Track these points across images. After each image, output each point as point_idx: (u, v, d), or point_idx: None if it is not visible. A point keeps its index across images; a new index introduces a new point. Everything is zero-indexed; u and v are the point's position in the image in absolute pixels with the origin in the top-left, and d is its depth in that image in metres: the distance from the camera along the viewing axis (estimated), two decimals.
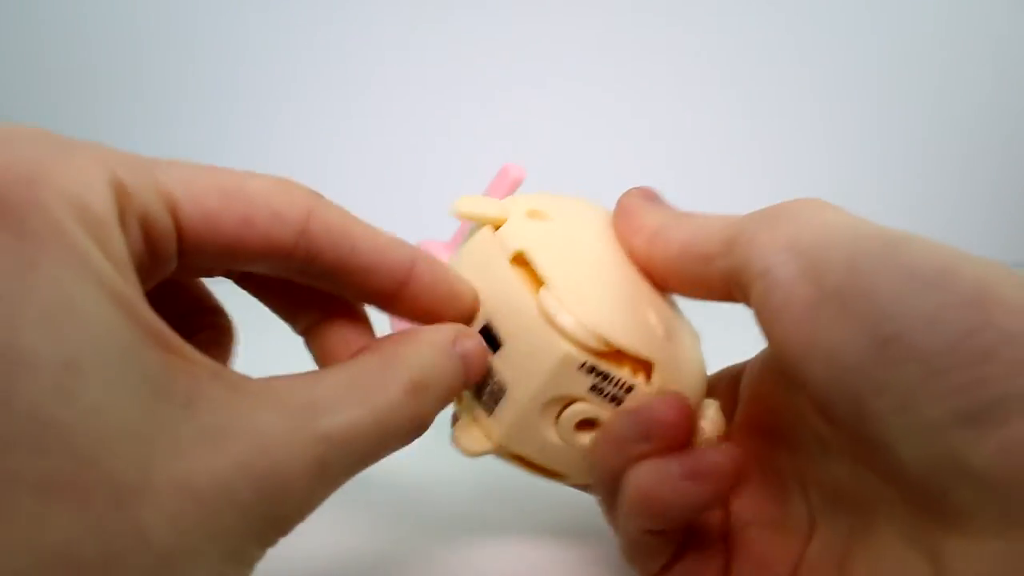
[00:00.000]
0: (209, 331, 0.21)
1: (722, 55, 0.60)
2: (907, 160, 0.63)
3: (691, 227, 0.20)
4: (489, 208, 0.21)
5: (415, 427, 0.17)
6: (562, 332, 0.19)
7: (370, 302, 0.20)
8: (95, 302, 0.13)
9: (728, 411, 0.22)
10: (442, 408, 0.18)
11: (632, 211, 0.22)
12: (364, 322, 0.21)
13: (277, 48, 0.59)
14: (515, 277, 0.20)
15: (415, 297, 0.19)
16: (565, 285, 0.19)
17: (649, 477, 0.19)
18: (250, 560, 0.15)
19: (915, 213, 0.62)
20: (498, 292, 0.20)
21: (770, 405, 0.22)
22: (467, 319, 0.20)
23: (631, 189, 0.23)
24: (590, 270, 0.20)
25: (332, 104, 0.61)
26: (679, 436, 0.19)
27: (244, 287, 0.20)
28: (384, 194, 0.60)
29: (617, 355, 0.19)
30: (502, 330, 0.20)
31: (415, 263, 0.19)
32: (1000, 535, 0.15)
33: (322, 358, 0.20)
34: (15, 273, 0.13)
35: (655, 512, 0.19)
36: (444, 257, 0.28)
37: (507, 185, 0.30)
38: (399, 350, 0.18)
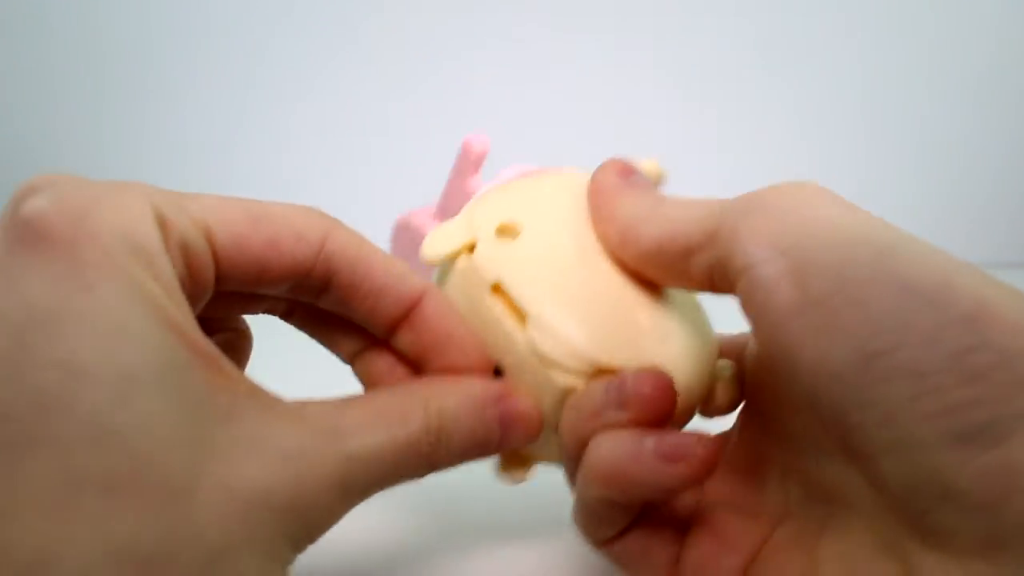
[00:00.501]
0: (228, 333, 0.22)
1: (721, 54, 0.61)
2: (907, 160, 0.63)
3: (666, 221, 0.19)
4: (456, 239, 0.21)
5: (428, 464, 0.18)
6: (555, 366, 0.19)
7: (378, 327, 0.20)
8: (145, 321, 0.15)
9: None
10: (465, 458, 0.19)
11: (605, 196, 0.21)
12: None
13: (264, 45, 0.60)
14: (500, 311, 0.20)
15: (421, 327, 0.20)
16: (549, 314, 0.19)
17: (622, 449, 0.18)
18: (284, 561, 0.16)
19: (915, 213, 0.62)
20: (488, 328, 0.20)
21: (764, 390, 0.21)
22: (475, 364, 0.20)
23: (606, 163, 0.21)
24: (571, 286, 0.20)
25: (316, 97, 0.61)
26: (656, 410, 0.18)
27: (290, 322, 0.21)
28: (363, 183, 0.60)
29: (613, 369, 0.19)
30: (501, 363, 0.20)
31: (426, 293, 0.20)
32: (984, 557, 0.14)
33: (367, 383, 0.21)
34: (73, 296, 0.14)
35: (620, 485, 0.18)
36: (432, 223, 0.28)
37: (472, 162, 0.29)
38: (429, 389, 0.19)
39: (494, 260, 0.20)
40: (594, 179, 0.21)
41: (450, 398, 0.19)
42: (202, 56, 0.60)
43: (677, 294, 0.21)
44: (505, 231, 0.21)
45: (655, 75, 0.61)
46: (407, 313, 0.20)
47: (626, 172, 0.21)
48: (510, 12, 0.59)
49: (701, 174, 0.63)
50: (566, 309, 0.19)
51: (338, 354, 0.22)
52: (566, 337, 0.19)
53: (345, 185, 0.59)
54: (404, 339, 0.20)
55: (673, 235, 0.19)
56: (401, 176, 0.62)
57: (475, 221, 0.21)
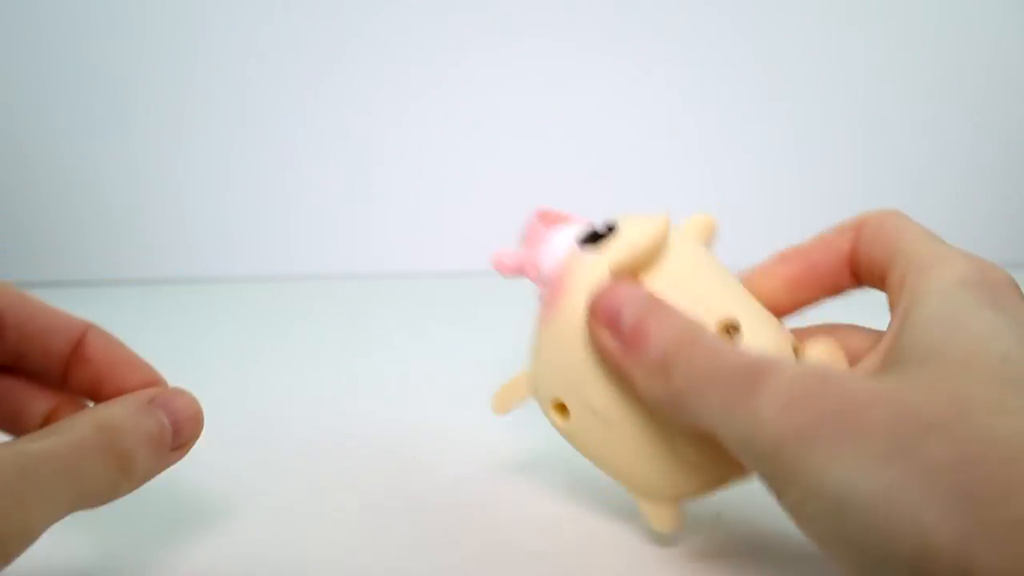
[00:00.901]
0: None
1: (727, 60, 0.60)
2: (907, 159, 0.63)
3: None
4: (517, 394, 0.24)
5: (117, 459, 0.19)
6: None
7: (52, 369, 0.22)
8: None
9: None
10: (153, 450, 0.20)
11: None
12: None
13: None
14: None
15: (90, 358, 0.22)
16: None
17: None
18: None
19: (915, 212, 0.62)
20: None
21: None
22: (146, 381, 0.22)
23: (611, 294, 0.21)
24: None
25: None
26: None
27: None
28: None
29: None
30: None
31: (88, 328, 0.22)
32: None
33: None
34: None
35: None
36: (518, 259, 0.25)
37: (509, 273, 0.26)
38: (96, 408, 0.21)
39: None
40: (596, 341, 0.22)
41: (115, 407, 0.20)
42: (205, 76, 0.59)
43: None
44: (559, 409, 0.23)
45: (665, 88, 0.60)
46: (76, 348, 0.22)
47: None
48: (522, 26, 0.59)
49: (702, 175, 0.63)
50: None
51: (24, 424, 0.23)
52: None
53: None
54: (78, 376, 0.22)
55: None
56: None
57: (530, 385, 0.24)
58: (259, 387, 0.39)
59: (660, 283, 0.22)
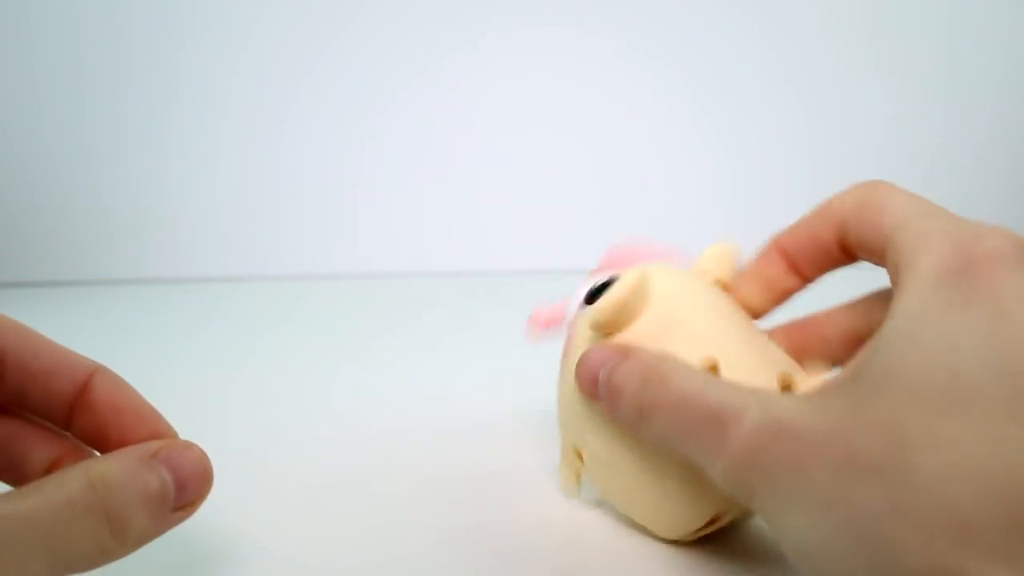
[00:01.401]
0: None
1: (729, 57, 0.60)
2: (907, 158, 0.63)
3: None
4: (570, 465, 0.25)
5: (109, 522, 0.17)
6: None
7: (55, 412, 0.20)
8: None
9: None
10: (153, 511, 0.18)
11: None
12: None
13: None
14: None
15: (95, 404, 0.20)
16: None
17: None
18: None
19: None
20: None
21: None
22: (153, 433, 0.20)
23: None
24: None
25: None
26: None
27: None
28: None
29: None
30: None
31: (96, 371, 0.21)
32: None
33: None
34: None
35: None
36: (550, 314, 0.27)
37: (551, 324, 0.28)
38: (92, 461, 0.18)
39: None
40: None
41: (112, 460, 0.18)
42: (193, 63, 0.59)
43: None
44: (579, 456, 0.25)
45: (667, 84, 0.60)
46: (80, 392, 0.20)
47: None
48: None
49: (703, 178, 0.63)
50: None
51: (25, 473, 0.21)
52: None
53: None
54: (81, 421, 0.20)
55: None
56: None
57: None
58: (252, 386, 0.39)
59: (641, 332, 0.23)
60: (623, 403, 0.21)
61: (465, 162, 0.62)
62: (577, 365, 0.23)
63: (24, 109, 0.60)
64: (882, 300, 0.23)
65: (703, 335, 0.22)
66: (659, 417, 0.20)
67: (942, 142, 0.63)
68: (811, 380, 0.22)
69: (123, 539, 0.17)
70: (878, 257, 0.21)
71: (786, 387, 0.22)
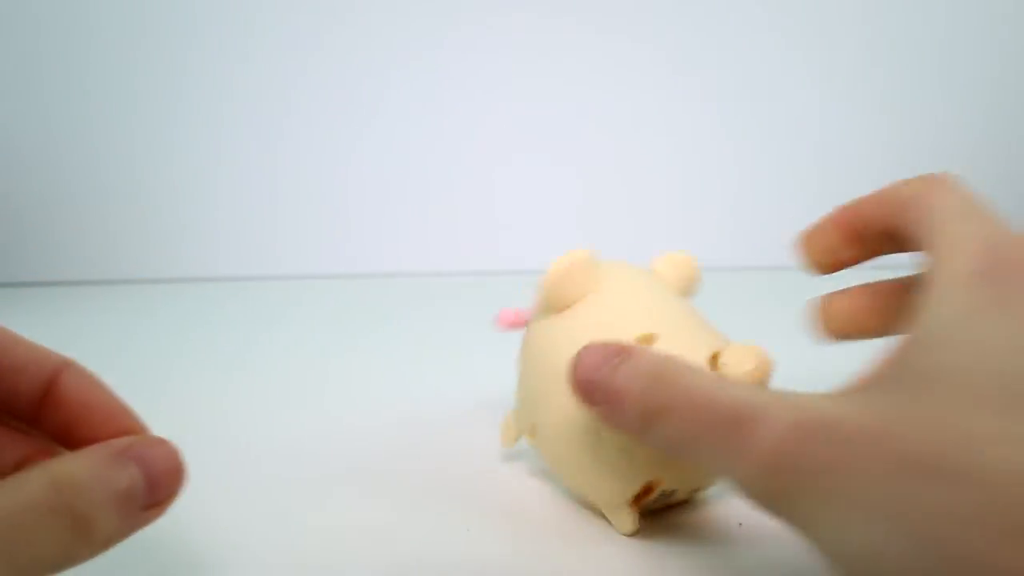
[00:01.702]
0: None
1: (729, 58, 0.60)
2: (906, 159, 0.63)
3: None
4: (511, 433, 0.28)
5: (74, 520, 0.16)
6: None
7: (22, 408, 0.20)
8: None
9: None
10: (123, 508, 0.17)
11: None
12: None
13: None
14: None
15: (62, 399, 0.20)
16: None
17: None
18: None
19: None
20: None
21: None
22: (122, 429, 0.20)
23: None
24: None
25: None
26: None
27: None
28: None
29: None
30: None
31: (65, 367, 0.20)
32: None
33: None
34: None
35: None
36: (525, 317, 0.28)
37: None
38: (57, 460, 0.17)
39: None
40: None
41: (78, 458, 0.17)
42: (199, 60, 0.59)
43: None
44: (532, 431, 0.26)
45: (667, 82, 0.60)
46: (48, 388, 0.20)
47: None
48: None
49: (704, 178, 0.63)
50: None
51: None
52: None
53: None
54: (49, 420, 0.20)
55: None
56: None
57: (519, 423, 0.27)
58: (252, 386, 0.39)
59: (587, 308, 0.25)
60: (626, 407, 0.20)
61: (465, 163, 0.62)
62: (571, 368, 0.21)
63: (24, 109, 0.60)
64: (903, 290, 0.23)
65: (640, 311, 0.24)
66: (668, 421, 0.19)
67: (951, 142, 0.63)
68: (738, 355, 0.22)
69: (89, 541, 0.16)
70: (918, 252, 0.20)
71: (712, 362, 0.22)
